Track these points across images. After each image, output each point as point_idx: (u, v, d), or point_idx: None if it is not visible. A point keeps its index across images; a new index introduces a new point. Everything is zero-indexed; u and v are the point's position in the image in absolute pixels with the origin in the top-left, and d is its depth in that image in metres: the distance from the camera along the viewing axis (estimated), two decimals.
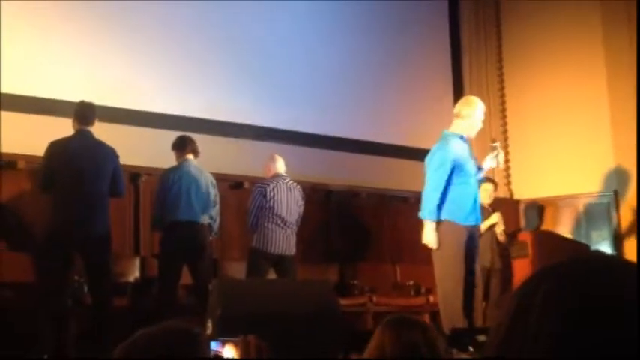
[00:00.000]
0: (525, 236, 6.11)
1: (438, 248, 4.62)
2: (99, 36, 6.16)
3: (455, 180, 4.64)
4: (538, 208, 7.92)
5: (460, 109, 4.82)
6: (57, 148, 4.69)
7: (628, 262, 0.72)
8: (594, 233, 7.63)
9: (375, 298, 6.45)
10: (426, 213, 4.63)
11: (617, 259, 0.76)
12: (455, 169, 4.63)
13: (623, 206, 7.42)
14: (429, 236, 4.63)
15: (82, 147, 4.72)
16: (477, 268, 4.79)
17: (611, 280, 0.69)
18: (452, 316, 4.54)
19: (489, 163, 4.94)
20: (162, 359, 1.21)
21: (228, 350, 1.64)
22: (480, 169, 4.96)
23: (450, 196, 4.64)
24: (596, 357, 0.64)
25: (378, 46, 7.96)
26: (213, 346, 1.60)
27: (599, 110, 7.59)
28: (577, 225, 7.73)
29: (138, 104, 6.28)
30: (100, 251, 4.66)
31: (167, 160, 5.53)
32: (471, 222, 4.69)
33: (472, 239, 4.72)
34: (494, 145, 5.00)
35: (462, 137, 4.76)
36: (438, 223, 4.62)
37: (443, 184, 4.59)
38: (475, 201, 4.73)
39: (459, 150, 4.68)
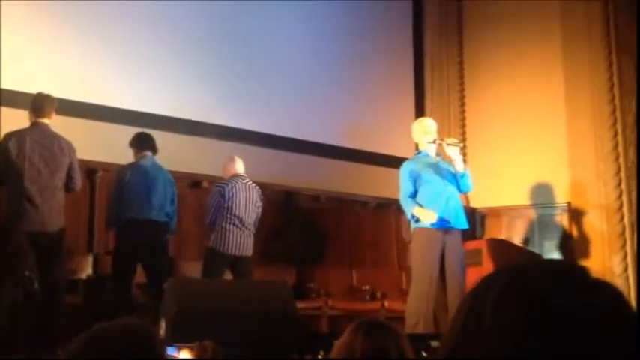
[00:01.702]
0: (479, 244, 6.19)
1: (419, 253, 4.95)
2: (60, 29, 6.05)
3: (418, 190, 5.04)
4: (481, 217, 8.04)
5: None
6: (11, 139, 4.59)
7: (577, 266, 0.74)
8: (547, 243, 7.78)
9: (330, 302, 6.46)
10: (407, 211, 5.06)
11: (565, 263, 0.78)
12: (415, 180, 5.05)
13: (575, 217, 7.58)
14: (424, 217, 4.96)
15: (38, 139, 4.63)
16: (452, 273, 4.85)
17: (559, 281, 0.70)
18: (416, 320, 4.65)
19: (454, 156, 5.09)
20: (119, 356, 1.19)
21: (184, 355, 1.63)
22: (455, 172, 5.10)
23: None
24: (547, 354, 0.65)
25: (341, 50, 7.99)
26: (169, 351, 1.58)
27: (556, 122, 7.74)
28: (530, 234, 7.87)
29: (98, 98, 6.17)
30: (53, 246, 4.57)
31: (125, 156, 5.46)
32: (443, 225, 4.84)
33: (445, 246, 4.86)
34: (440, 142, 5.18)
35: (420, 152, 5.25)
36: (415, 231, 4.99)
37: (407, 194, 5.03)
38: (445, 201, 4.90)
39: (417, 163, 5.14)
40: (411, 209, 4.97)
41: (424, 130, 5.21)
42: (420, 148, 5.27)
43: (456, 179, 5.10)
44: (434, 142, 5.16)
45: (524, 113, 7.97)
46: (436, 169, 5.09)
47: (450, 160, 5.15)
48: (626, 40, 7.50)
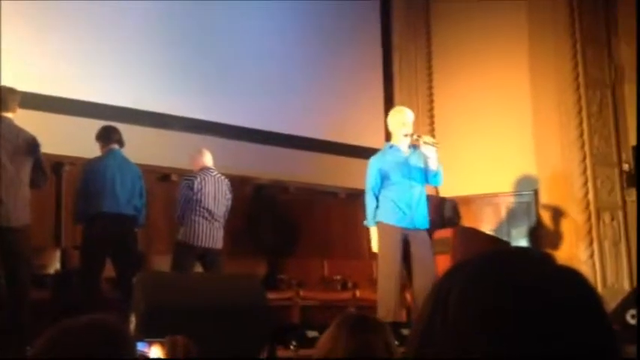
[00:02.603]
0: (447, 232, 6.24)
1: (381, 245, 5.00)
2: (23, 24, 5.93)
3: (383, 186, 5.05)
4: (453, 205, 8.12)
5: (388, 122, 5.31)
6: None
7: (542, 253, 0.75)
8: (514, 231, 7.88)
9: (302, 293, 6.47)
10: (367, 221, 5.10)
11: (531, 251, 0.79)
12: (383, 177, 5.04)
13: (542, 205, 7.69)
14: (372, 242, 5.08)
15: (2, 134, 4.54)
16: (420, 263, 4.91)
17: (526, 269, 0.71)
18: (386, 311, 4.72)
19: (429, 154, 5.06)
20: (87, 353, 1.18)
21: (155, 351, 1.61)
22: (426, 168, 5.09)
23: (381, 200, 5.05)
24: (513, 346, 0.66)
25: (309, 42, 7.97)
26: (140, 347, 1.56)
27: (523, 111, 7.83)
28: (498, 222, 7.97)
29: (62, 91, 6.08)
30: (18, 241, 4.50)
31: (91, 149, 5.39)
32: (403, 224, 4.89)
33: (409, 241, 4.96)
34: (417, 138, 5.15)
35: (392, 146, 5.16)
36: (378, 225, 5.02)
37: (372, 191, 5.04)
38: (407, 205, 4.91)
39: (386, 158, 5.09)
40: (370, 214, 5.03)
41: (402, 121, 5.11)
42: (393, 139, 5.20)
43: (425, 174, 5.10)
44: (411, 136, 5.10)
45: (492, 103, 8.05)
46: (405, 168, 5.03)
47: (424, 156, 5.11)
48: (591, 30, 7.61)
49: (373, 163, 5.09)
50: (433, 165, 5.03)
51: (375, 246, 5.06)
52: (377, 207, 5.01)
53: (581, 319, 0.68)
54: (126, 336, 1.25)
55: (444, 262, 5.60)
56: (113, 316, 1.33)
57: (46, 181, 4.88)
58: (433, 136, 8.41)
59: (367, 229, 5.14)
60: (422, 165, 5.08)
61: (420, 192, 5.08)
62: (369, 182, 5.06)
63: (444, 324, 0.69)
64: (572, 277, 0.71)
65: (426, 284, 4.78)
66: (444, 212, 7.82)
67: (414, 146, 5.17)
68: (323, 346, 1.98)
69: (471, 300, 0.69)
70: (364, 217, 5.15)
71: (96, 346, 1.20)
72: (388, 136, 5.47)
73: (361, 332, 1.94)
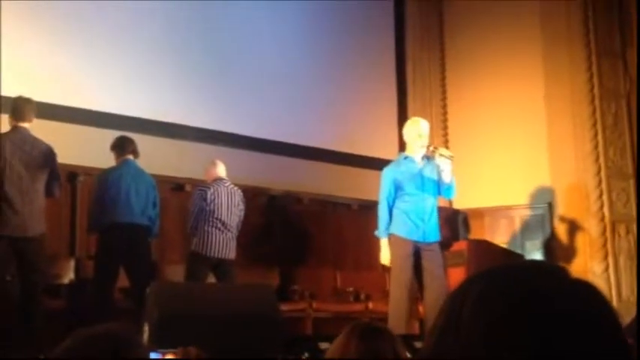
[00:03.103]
0: (461, 245, 6.21)
1: (393, 257, 4.98)
2: (39, 32, 6.00)
3: (397, 197, 5.03)
4: (464, 218, 8.09)
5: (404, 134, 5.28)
6: None
7: (556, 266, 0.74)
8: (529, 243, 7.83)
9: (314, 304, 6.46)
10: (378, 231, 5.08)
11: (545, 264, 0.78)
12: (396, 188, 5.03)
13: (557, 218, 7.64)
14: (382, 253, 5.04)
15: (18, 143, 4.58)
16: (431, 276, 4.90)
17: (539, 282, 0.71)
18: (397, 323, 4.71)
19: (444, 167, 5.04)
20: None
21: None
22: (440, 180, 5.07)
23: (394, 212, 5.03)
24: (528, 355, 0.65)
25: (323, 52, 7.99)
26: (153, 357, 1.57)
27: (537, 123, 7.79)
28: (512, 235, 7.92)
29: (78, 102, 6.13)
30: (33, 251, 4.53)
31: (106, 160, 5.42)
32: (414, 237, 4.89)
33: (420, 254, 4.96)
34: (433, 149, 5.13)
35: (406, 157, 5.14)
36: (390, 238, 5.00)
37: (385, 201, 5.03)
38: (420, 220, 4.91)
39: (400, 169, 5.07)
40: (382, 225, 5.01)
41: (418, 133, 5.08)
42: (408, 149, 5.16)
43: (438, 186, 5.09)
44: (428, 148, 5.08)
45: (506, 114, 8.02)
46: (419, 180, 5.03)
47: (438, 167, 5.10)
48: (605, 42, 7.58)
49: (387, 174, 5.09)
50: (447, 177, 5.01)
51: (384, 258, 5.04)
52: (390, 218, 5.00)
53: (596, 333, 0.67)
54: (139, 346, 1.26)
55: (458, 275, 5.58)
56: (126, 326, 1.34)
57: (60, 192, 4.91)
58: (447, 147, 8.41)
59: (378, 240, 5.13)
60: (435, 177, 5.07)
61: (432, 204, 5.07)
62: (383, 192, 5.05)
63: (457, 337, 0.69)
64: (586, 290, 0.71)
65: (437, 297, 4.77)
66: (457, 225, 7.79)
67: (428, 158, 5.16)
68: (333, 355, 1.97)
69: (484, 313, 0.68)
70: (376, 228, 5.14)
71: (110, 355, 1.20)
72: (402, 147, 5.46)
73: (371, 341, 1.93)
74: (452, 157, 5.05)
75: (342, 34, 8.18)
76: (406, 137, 5.20)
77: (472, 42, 8.39)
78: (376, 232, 5.12)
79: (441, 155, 5.01)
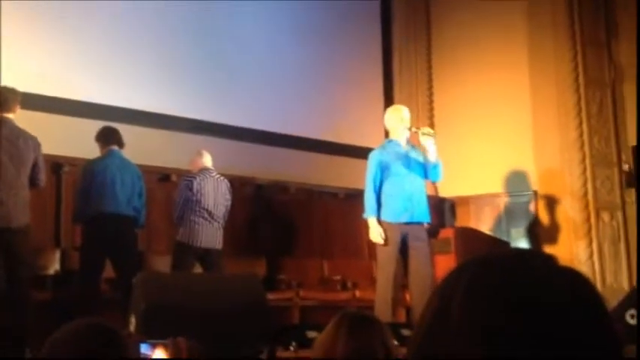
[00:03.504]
0: (447, 233, 6.25)
1: (385, 242, 4.97)
2: (22, 23, 5.93)
3: (384, 180, 5.04)
4: (450, 205, 8.13)
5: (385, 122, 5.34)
6: None
7: (544, 254, 0.75)
8: (514, 230, 7.88)
9: (301, 293, 6.47)
10: (366, 212, 5.06)
11: (533, 252, 0.79)
12: (383, 169, 5.04)
13: (541, 205, 7.69)
14: (371, 232, 5.01)
15: (2, 134, 4.53)
16: (417, 263, 4.91)
17: (529, 272, 0.71)
18: (383, 311, 4.73)
19: (428, 146, 5.07)
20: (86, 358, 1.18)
21: (159, 353, 1.60)
22: (426, 161, 5.09)
23: (381, 197, 5.05)
24: (516, 348, 0.66)
25: (309, 42, 7.97)
26: (143, 349, 1.56)
27: (522, 112, 7.83)
28: (497, 222, 7.97)
29: (62, 92, 6.07)
30: (18, 242, 4.50)
31: (91, 150, 5.39)
32: (403, 219, 4.88)
33: (408, 237, 4.92)
34: (416, 130, 5.18)
35: (391, 141, 5.19)
36: (379, 220, 4.99)
37: (372, 183, 5.03)
38: (408, 198, 4.91)
39: (387, 151, 5.10)
40: (370, 207, 5.01)
41: (400, 117, 5.16)
42: (392, 135, 5.23)
43: (424, 169, 5.13)
44: (409, 129, 5.14)
45: (491, 103, 8.05)
46: (405, 160, 5.08)
47: (423, 150, 5.15)
48: (590, 31, 7.62)
49: (373, 156, 5.13)
50: (432, 157, 5.06)
51: (373, 236, 5.03)
52: (377, 202, 5.01)
53: (584, 321, 0.68)
54: (122, 337, 1.25)
55: (445, 262, 5.61)
56: (110, 319, 1.34)
57: (44, 182, 4.87)
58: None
59: (365, 229, 5.15)
60: (421, 159, 5.12)
61: (420, 185, 5.11)
62: (370, 174, 5.07)
63: (447, 327, 0.69)
64: (573, 277, 0.71)
65: (423, 285, 4.80)
66: (444, 212, 7.82)
67: (413, 145, 5.20)
68: (321, 345, 1.97)
69: (473, 302, 0.69)
70: (364, 213, 5.14)
71: (94, 348, 1.20)
72: (387, 136, 5.49)
73: (360, 330, 1.92)
74: (434, 134, 5.14)
75: (329, 25, 8.16)
76: (388, 123, 5.26)
77: (458, 32, 8.40)
78: (364, 214, 5.11)
79: (423, 134, 5.07)
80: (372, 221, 5.03)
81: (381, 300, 4.91)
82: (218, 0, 7.22)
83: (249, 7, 7.44)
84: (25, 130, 4.66)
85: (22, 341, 4.07)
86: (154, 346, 1.57)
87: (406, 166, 5.06)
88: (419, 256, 4.97)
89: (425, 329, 0.72)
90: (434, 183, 5.85)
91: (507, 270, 0.71)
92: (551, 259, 0.73)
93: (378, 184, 5.04)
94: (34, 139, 4.67)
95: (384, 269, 4.96)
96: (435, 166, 5.11)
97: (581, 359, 0.66)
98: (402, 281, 5.10)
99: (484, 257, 0.74)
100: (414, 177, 5.06)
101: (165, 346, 1.48)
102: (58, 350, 1.19)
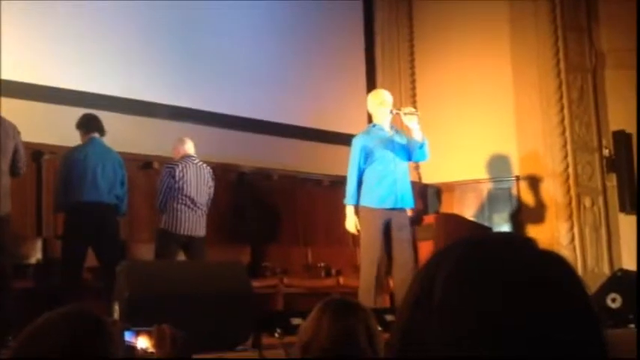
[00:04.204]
0: (430, 219, 6.27)
1: (358, 232, 4.98)
2: (5, 6, 5.84)
3: (366, 165, 4.99)
4: (437, 191, 8.16)
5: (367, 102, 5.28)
6: None
7: (525, 238, 0.75)
8: (496, 216, 7.94)
9: (285, 280, 6.48)
10: (345, 199, 5.04)
11: (515, 235, 0.79)
12: (366, 155, 4.99)
13: (523, 191, 7.75)
14: (347, 221, 5.01)
15: None
16: (399, 249, 4.92)
17: (509, 254, 0.71)
18: (367, 296, 4.74)
19: (412, 125, 5.03)
20: (68, 346, 1.17)
21: (143, 341, 1.60)
22: (412, 142, 5.06)
23: (364, 182, 5.00)
24: (498, 330, 0.66)
25: (291, 28, 7.93)
26: (127, 336, 1.56)
27: (504, 97, 7.86)
28: (480, 208, 8.02)
29: (42, 79, 6.00)
30: None
31: (72, 138, 5.34)
32: (387, 205, 4.87)
33: (391, 223, 4.89)
34: (397, 112, 5.14)
35: (375, 125, 5.13)
36: (357, 208, 4.96)
37: (355, 169, 4.99)
38: (392, 183, 4.90)
39: (370, 136, 5.05)
40: (350, 192, 4.99)
41: (380, 101, 5.11)
42: (375, 120, 5.18)
43: (408, 153, 5.09)
44: (391, 111, 5.09)
45: (474, 89, 8.08)
46: (389, 144, 5.04)
47: (407, 130, 5.12)
48: (571, 17, 7.65)
49: (357, 141, 5.08)
50: (418, 136, 5.01)
51: (349, 225, 5.03)
52: (359, 187, 4.98)
53: (565, 302, 0.69)
54: (106, 324, 1.25)
55: (427, 248, 5.64)
56: (93, 307, 1.33)
57: (25, 170, 4.82)
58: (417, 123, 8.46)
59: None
60: (405, 143, 5.07)
61: (404, 169, 5.09)
62: (353, 159, 5.03)
63: (429, 310, 0.69)
64: (554, 260, 0.72)
65: (406, 270, 4.81)
66: (427, 199, 7.85)
67: (397, 130, 5.18)
68: (306, 332, 1.97)
69: (456, 286, 0.69)
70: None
71: (77, 335, 1.19)
72: (370, 121, 5.47)
73: (343, 317, 1.93)
74: (416, 112, 5.08)
75: (311, 11, 8.12)
76: (370, 107, 5.22)
77: (440, 18, 8.40)
78: (344, 200, 5.09)
79: (405, 114, 5.03)
80: (349, 209, 5.02)
81: (365, 286, 4.92)
82: None
83: None
84: (4, 117, 4.60)
85: (5, 331, 4.04)
86: (137, 333, 1.56)
87: (390, 149, 5.02)
88: (402, 243, 4.98)
89: (408, 311, 0.72)
90: (418, 163, 5.82)
91: (488, 253, 0.71)
92: (531, 242, 0.74)
93: (361, 170, 5.00)
94: (13, 127, 4.61)
95: (368, 255, 4.96)
96: (422, 145, 5.04)
97: (563, 339, 0.66)
98: (385, 267, 5.11)
99: (467, 240, 0.74)
100: (399, 161, 5.04)
101: (150, 334, 1.48)
102: (40, 338, 1.18)
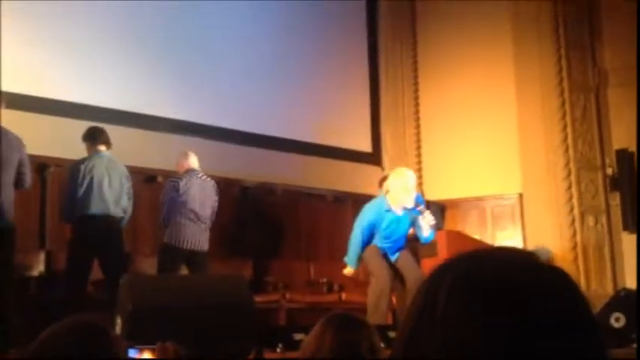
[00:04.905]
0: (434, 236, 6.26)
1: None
2: (10, 22, 5.89)
3: (375, 233, 5.13)
4: (441, 209, 8.16)
5: (386, 182, 5.24)
6: None
7: (528, 253, 0.76)
8: (499, 234, 7.93)
9: (288, 295, 6.47)
10: (349, 260, 5.20)
11: (518, 251, 0.80)
12: (372, 227, 5.11)
13: (527, 209, 7.73)
14: (346, 270, 5.28)
15: None
16: (409, 273, 5.04)
17: (513, 268, 0.72)
18: (374, 311, 4.82)
19: (424, 227, 5.08)
20: (75, 356, 1.17)
21: (146, 355, 1.61)
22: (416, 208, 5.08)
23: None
24: (501, 345, 0.67)
25: (296, 45, 7.97)
26: (132, 353, 1.56)
27: (507, 115, 7.88)
28: (483, 226, 8.01)
29: (48, 92, 6.04)
30: (3, 244, 4.46)
31: (78, 151, 5.36)
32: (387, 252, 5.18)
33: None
34: (420, 210, 5.05)
35: (388, 210, 5.09)
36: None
37: (359, 239, 5.10)
38: (394, 243, 5.15)
39: (381, 216, 5.08)
40: (352, 253, 5.13)
41: (405, 187, 4.96)
42: (391, 200, 5.03)
43: (413, 223, 5.14)
44: (414, 209, 4.99)
45: (477, 106, 8.10)
46: (396, 225, 5.12)
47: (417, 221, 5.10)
48: (574, 35, 7.68)
49: (367, 215, 5.13)
50: (425, 233, 5.09)
51: (347, 272, 5.26)
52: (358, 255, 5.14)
53: (568, 317, 0.69)
54: (110, 335, 1.25)
55: (431, 265, 5.63)
56: (97, 317, 1.33)
57: (30, 183, 4.84)
58: (419, 140, 8.49)
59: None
60: (411, 221, 5.13)
61: (405, 232, 5.18)
62: (360, 225, 5.12)
63: (432, 322, 0.70)
64: (558, 276, 0.73)
65: (417, 280, 4.86)
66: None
67: (409, 210, 5.08)
68: (308, 346, 1.97)
69: (459, 298, 0.70)
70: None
71: (83, 346, 1.20)
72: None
73: (347, 331, 1.93)
74: (433, 221, 5.06)
75: (315, 26, 8.18)
76: (392, 190, 5.04)
77: (444, 35, 8.44)
78: (345, 259, 5.23)
79: (424, 218, 5.01)
80: (349, 269, 5.22)
81: (377, 304, 4.97)
82: (205, 3, 7.21)
83: (237, 11, 7.44)
84: (9, 130, 4.63)
85: (7, 342, 4.04)
86: (141, 350, 1.57)
87: (395, 228, 5.12)
88: (407, 261, 5.05)
89: (412, 323, 0.72)
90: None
91: (491, 266, 0.72)
92: (533, 257, 0.74)
93: (365, 239, 5.11)
94: (18, 140, 4.63)
95: (379, 277, 5.05)
96: (427, 239, 5.14)
97: (565, 355, 0.67)
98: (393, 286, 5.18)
99: (470, 254, 0.75)
100: (402, 235, 5.17)
101: (153, 351, 1.48)
102: (48, 348, 1.18)
